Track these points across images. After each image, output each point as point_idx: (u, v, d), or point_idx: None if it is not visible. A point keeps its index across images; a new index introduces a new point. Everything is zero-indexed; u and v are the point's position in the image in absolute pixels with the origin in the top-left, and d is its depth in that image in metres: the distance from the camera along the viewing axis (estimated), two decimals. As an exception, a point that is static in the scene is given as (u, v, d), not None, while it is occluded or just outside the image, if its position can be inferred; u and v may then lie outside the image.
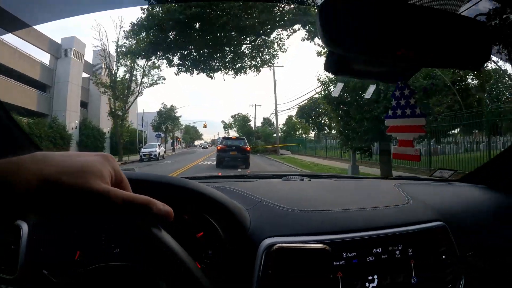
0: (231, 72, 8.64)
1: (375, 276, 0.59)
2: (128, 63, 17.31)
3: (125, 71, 18.08)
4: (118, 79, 17.45)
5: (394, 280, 0.60)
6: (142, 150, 16.23)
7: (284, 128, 27.03)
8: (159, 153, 15.94)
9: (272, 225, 0.59)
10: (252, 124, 32.39)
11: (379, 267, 0.59)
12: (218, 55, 7.93)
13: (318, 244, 0.54)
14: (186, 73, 8.31)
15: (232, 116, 35.57)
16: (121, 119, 17.34)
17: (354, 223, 0.62)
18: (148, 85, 19.13)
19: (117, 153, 16.81)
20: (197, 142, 64.24)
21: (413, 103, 0.65)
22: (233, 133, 32.16)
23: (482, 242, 0.78)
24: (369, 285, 0.58)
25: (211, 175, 1.12)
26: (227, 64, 8.30)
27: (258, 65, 8.79)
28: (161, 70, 21.01)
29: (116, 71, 17.13)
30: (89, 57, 20.01)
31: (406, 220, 0.67)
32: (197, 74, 8.57)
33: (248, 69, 8.70)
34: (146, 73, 18.32)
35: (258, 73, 8.96)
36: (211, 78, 8.54)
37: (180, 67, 8.20)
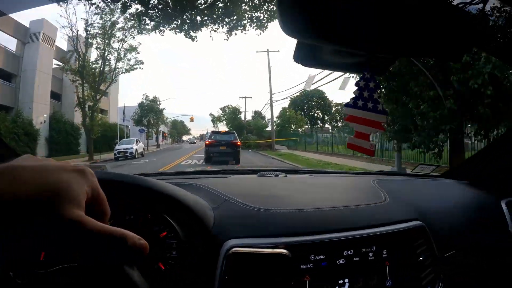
0: (223, 29, 6.20)
1: (346, 280, 0.59)
2: (99, 41, 15.64)
3: (98, 54, 16.52)
4: (88, 63, 15.77)
5: (367, 284, 0.61)
6: (117, 147, 15.18)
7: (278, 121, 25.94)
8: (136, 150, 15.13)
9: (237, 226, 0.59)
10: (243, 117, 31.34)
11: (351, 270, 0.59)
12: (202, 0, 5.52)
13: (277, 250, 0.54)
14: (155, 32, 6.11)
15: (221, 109, 34.17)
16: (92, 111, 15.82)
17: (324, 224, 0.62)
18: (124, 71, 17.78)
19: (93, 149, 15.96)
20: (185, 137, 64.58)
21: (376, 97, 0.63)
22: (222, 127, 31.05)
23: (463, 241, 0.80)
24: None
25: (182, 171, 1.12)
26: (216, 15, 5.87)
27: (262, 19, 6.19)
28: (138, 53, 19.65)
29: (84, 53, 15.46)
30: (63, 44, 18.76)
31: (381, 220, 0.67)
32: (173, 33, 5.93)
33: (248, 24, 6.21)
34: (122, 56, 16.92)
35: (262, 32, 6.45)
36: (192, 39, 6.19)
37: (143, 21, 5.80)
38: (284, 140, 22.01)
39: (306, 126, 29.23)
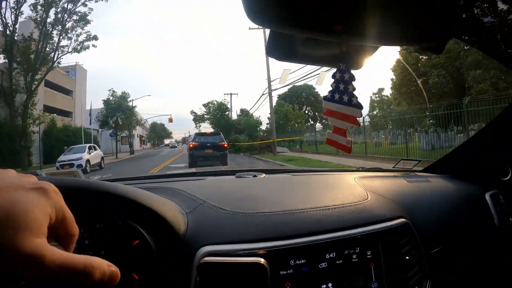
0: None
1: (330, 285, 0.62)
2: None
3: (35, 27, 13.33)
4: (18, 37, 12.15)
5: (352, 287, 0.64)
6: (60, 157, 13.24)
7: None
8: (87, 161, 13.16)
9: (212, 231, 0.62)
10: (230, 114, 29.89)
11: (334, 274, 0.63)
12: None
13: (252, 258, 0.56)
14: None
15: (204, 105, 31.54)
16: (24, 106, 12.57)
17: (304, 226, 0.66)
18: (72, 50, 14.88)
19: (50, 158, 13.85)
20: (167, 141, 64.54)
21: (351, 90, 0.68)
22: (206, 128, 29.77)
23: (450, 236, 0.86)
24: None
25: (156, 174, 1.20)
26: None
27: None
28: (88, 23, 15.46)
29: (13, 23, 12.08)
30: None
31: (364, 219, 0.71)
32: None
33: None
34: (68, 29, 13.76)
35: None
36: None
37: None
38: (283, 141, 20.24)
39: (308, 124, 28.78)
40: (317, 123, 32.22)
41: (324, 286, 0.61)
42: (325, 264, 0.62)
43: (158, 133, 58.96)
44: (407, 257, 0.71)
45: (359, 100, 0.69)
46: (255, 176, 1.06)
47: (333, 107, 0.73)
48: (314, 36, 0.57)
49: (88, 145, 14.59)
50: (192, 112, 32.91)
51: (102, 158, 15.68)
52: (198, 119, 32.04)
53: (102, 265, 0.30)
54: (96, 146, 15.88)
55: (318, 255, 0.62)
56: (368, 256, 0.66)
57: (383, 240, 0.69)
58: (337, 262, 0.63)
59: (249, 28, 19.28)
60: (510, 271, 0.94)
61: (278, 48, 0.67)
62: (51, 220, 0.29)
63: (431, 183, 1.05)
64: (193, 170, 1.35)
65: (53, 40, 14.09)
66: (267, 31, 0.61)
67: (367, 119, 14.46)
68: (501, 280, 0.96)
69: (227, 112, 30.10)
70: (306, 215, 0.69)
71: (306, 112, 34.25)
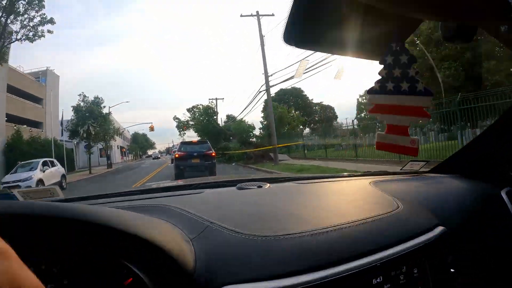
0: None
1: None
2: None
3: None
4: None
5: None
6: (6, 177, 12.23)
7: (265, 122, 21.46)
8: (40, 180, 11.96)
9: (230, 264, 0.53)
10: (217, 119, 28.88)
11: None
12: None
13: None
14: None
15: (188, 110, 30.74)
16: None
17: (342, 248, 0.60)
18: (24, 37, 13.06)
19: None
20: (151, 152, 64.87)
21: (413, 74, 0.59)
22: (191, 136, 29.22)
23: (476, 238, 0.86)
24: None
25: (144, 188, 1.10)
26: None
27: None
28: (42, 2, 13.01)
29: None
30: None
31: (402, 233, 0.67)
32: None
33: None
34: (18, 10, 11.64)
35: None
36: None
37: None
38: (282, 147, 18.11)
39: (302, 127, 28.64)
40: (306, 128, 32.28)
41: None
42: None
43: (140, 143, 59.11)
44: (452, 270, 0.69)
45: (424, 86, 0.58)
46: (260, 186, 0.99)
47: (385, 101, 0.63)
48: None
49: (42, 160, 13.06)
50: (175, 118, 31.82)
51: (64, 176, 14.28)
52: (182, 125, 30.98)
53: None
54: (54, 161, 14.36)
55: (363, 282, 0.58)
56: (415, 275, 0.64)
57: (427, 254, 0.66)
58: (385, 286, 0.60)
59: (241, 15, 16.19)
60: None
61: (299, 33, 0.58)
62: None
63: (445, 184, 1.06)
64: (186, 182, 1.24)
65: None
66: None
67: (355, 122, 14.95)
68: None
69: (215, 117, 29.02)
70: (340, 234, 0.63)
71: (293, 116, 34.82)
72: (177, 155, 11.66)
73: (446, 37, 0.55)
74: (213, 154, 12.16)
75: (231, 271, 0.52)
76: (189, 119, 30.44)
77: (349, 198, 0.88)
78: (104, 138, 24.59)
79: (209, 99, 36.67)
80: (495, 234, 0.90)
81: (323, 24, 0.57)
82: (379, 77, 0.63)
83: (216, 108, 30.24)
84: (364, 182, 1.01)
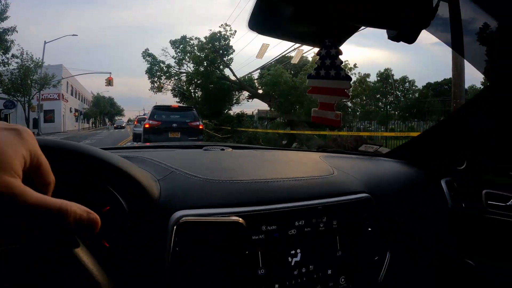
0: None
1: (298, 250, 0.77)
2: None
3: None
4: None
5: (319, 254, 0.80)
6: None
7: (266, 78, 14.36)
8: None
9: (185, 197, 0.73)
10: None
11: (302, 241, 0.77)
12: None
13: (232, 217, 0.68)
14: None
15: (174, 43, 18.49)
16: None
17: (275, 194, 0.80)
18: None
19: None
20: (125, 119, 60.58)
21: (338, 64, 0.84)
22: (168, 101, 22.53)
23: (407, 215, 1.07)
24: (291, 260, 0.76)
25: (122, 146, 1.35)
26: None
27: None
28: None
29: None
30: None
31: (331, 191, 0.88)
32: None
33: None
34: None
35: None
36: None
37: None
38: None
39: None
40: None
41: (293, 252, 0.76)
42: (294, 231, 0.76)
43: (103, 108, 54.42)
44: (369, 229, 0.89)
45: (345, 73, 0.84)
46: (222, 149, 1.25)
47: (319, 84, 0.89)
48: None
49: None
50: (146, 53, 19.44)
51: None
52: (157, 73, 19.40)
53: (79, 210, 0.35)
54: None
55: (288, 222, 0.76)
56: (334, 226, 0.82)
57: (348, 212, 0.87)
58: (305, 229, 0.78)
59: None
60: (458, 251, 1.19)
61: (262, 22, 0.79)
62: (25, 164, 0.33)
63: (392, 166, 1.29)
64: (159, 143, 1.51)
65: None
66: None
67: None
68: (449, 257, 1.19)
69: (227, 57, 17.01)
70: (276, 184, 0.84)
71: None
72: (147, 125, 9.43)
73: (390, 37, 0.77)
74: (200, 126, 10.01)
75: (185, 201, 0.71)
76: (175, 59, 18.89)
77: (295, 163, 1.12)
78: (22, 87, 19.55)
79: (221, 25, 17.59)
80: (430, 215, 1.12)
81: (284, 15, 0.77)
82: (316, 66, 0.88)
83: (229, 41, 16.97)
84: (316, 155, 1.24)
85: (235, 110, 17.32)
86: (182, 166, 0.86)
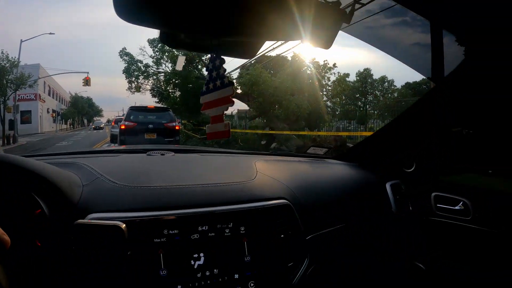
0: None
1: (201, 254, 0.81)
2: None
3: None
4: None
5: (224, 258, 0.84)
6: None
7: (244, 77, 13.88)
8: None
9: (102, 201, 0.81)
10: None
11: (206, 245, 0.82)
12: None
13: (112, 222, 0.74)
14: None
15: (152, 42, 17.89)
16: None
17: (179, 199, 0.86)
18: None
19: None
20: (104, 119, 60.19)
21: (222, 72, 0.81)
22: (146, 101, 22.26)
23: (342, 219, 1.09)
24: (194, 263, 0.80)
25: (72, 151, 1.38)
26: None
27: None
28: None
29: None
30: None
31: (245, 197, 0.92)
32: None
33: None
34: None
35: None
36: None
37: None
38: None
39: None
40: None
41: (196, 255, 0.81)
42: (197, 236, 0.81)
43: (81, 109, 53.88)
44: (282, 236, 0.91)
45: (228, 79, 0.82)
46: (162, 154, 1.29)
47: (209, 98, 0.85)
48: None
49: None
50: (124, 52, 18.88)
51: None
52: (135, 72, 18.78)
53: None
54: None
55: (190, 227, 0.82)
56: (241, 232, 0.86)
57: (259, 218, 0.89)
58: (209, 234, 0.83)
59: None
60: (402, 254, 1.22)
61: (169, 36, 0.77)
62: None
63: (335, 169, 1.32)
64: (109, 148, 1.55)
65: None
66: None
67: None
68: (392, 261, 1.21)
69: (205, 56, 16.32)
70: (186, 190, 0.90)
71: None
72: (123, 127, 9.34)
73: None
74: (177, 127, 10.06)
75: (99, 205, 0.79)
76: (153, 58, 18.47)
77: (223, 168, 1.15)
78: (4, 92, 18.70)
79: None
80: (373, 220, 1.15)
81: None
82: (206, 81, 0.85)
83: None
84: (251, 159, 1.24)
85: (214, 109, 16.95)
86: (109, 172, 0.93)
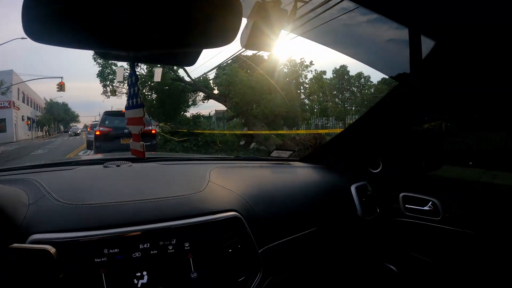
0: None
1: (144, 273, 0.80)
2: None
3: None
4: None
5: (169, 276, 0.82)
6: None
7: (221, 78, 14.08)
8: None
9: (45, 221, 0.80)
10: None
11: (149, 263, 0.80)
12: None
13: (40, 245, 0.72)
14: None
15: None
16: None
17: (124, 217, 0.84)
18: None
19: None
20: (81, 125, 58.84)
21: (137, 91, 0.79)
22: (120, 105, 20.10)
23: (306, 226, 1.07)
24: (138, 282, 0.79)
25: (26, 165, 1.33)
26: None
27: None
28: None
29: None
30: None
31: (189, 212, 0.90)
32: None
33: None
34: None
35: None
36: None
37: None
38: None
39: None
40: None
41: (139, 274, 0.79)
42: (138, 254, 0.80)
43: (57, 115, 52.51)
44: (230, 250, 0.88)
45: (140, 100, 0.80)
46: (118, 165, 1.25)
47: (131, 114, 0.82)
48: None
49: None
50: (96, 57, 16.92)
51: None
52: (109, 76, 17.47)
53: None
54: None
55: (131, 245, 0.80)
56: (186, 248, 0.84)
57: (204, 233, 0.87)
58: (151, 252, 0.81)
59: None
60: (369, 263, 1.23)
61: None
62: None
63: (299, 173, 1.29)
64: (64, 159, 1.51)
65: None
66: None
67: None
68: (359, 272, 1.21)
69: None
70: (130, 207, 0.88)
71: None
72: (98, 132, 9.02)
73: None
74: (154, 131, 9.77)
75: (40, 225, 0.78)
76: (127, 64, 15.73)
77: (174, 180, 1.12)
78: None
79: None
80: (337, 225, 1.13)
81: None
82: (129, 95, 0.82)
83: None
84: (206, 167, 1.21)
85: (192, 111, 16.88)
86: (57, 189, 0.92)
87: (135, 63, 0.79)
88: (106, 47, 0.66)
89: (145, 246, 0.81)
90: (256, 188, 1.09)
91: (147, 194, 0.94)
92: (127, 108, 0.83)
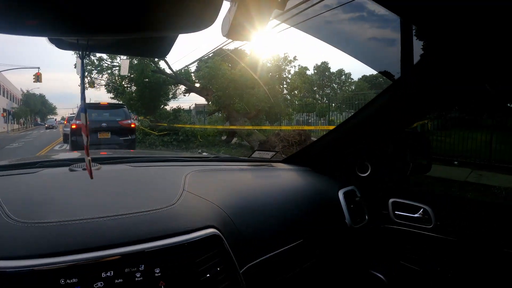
0: None
1: None
2: None
3: None
4: None
5: None
6: None
7: (202, 71, 13.41)
8: None
9: None
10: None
11: None
12: None
13: None
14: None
15: None
16: None
17: (83, 240, 0.70)
18: None
19: None
20: (59, 117, 57.65)
21: (82, 91, 0.63)
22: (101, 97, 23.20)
23: (293, 238, 0.96)
24: None
25: None
26: None
27: None
28: None
29: None
30: None
31: (158, 232, 0.75)
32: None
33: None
34: None
35: None
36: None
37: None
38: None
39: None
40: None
41: None
42: (101, 284, 0.67)
43: (34, 107, 50.89)
44: (207, 275, 0.75)
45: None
46: (84, 169, 1.08)
47: (82, 119, 0.66)
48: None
49: None
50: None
51: None
52: (87, 67, 16.42)
53: None
54: None
55: (92, 274, 0.67)
56: (156, 275, 0.70)
57: (177, 256, 0.73)
58: (116, 281, 0.68)
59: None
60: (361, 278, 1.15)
61: None
62: None
63: (284, 177, 1.18)
64: (28, 159, 1.34)
65: None
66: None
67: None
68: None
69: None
70: (90, 226, 0.74)
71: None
72: (75, 126, 8.36)
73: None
74: (133, 125, 9.38)
75: None
76: (106, 55, 16.41)
77: (143, 188, 0.97)
78: None
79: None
80: (326, 236, 1.03)
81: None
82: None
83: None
84: (182, 171, 1.07)
85: (172, 105, 16.68)
86: (11, 200, 0.80)
87: (85, 52, 0.62)
88: (50, 32, 0.51)
89: (108, 274, 0.68)
90: (237, 197, 0.98)
91: (112, 208, 0.80)
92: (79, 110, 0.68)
